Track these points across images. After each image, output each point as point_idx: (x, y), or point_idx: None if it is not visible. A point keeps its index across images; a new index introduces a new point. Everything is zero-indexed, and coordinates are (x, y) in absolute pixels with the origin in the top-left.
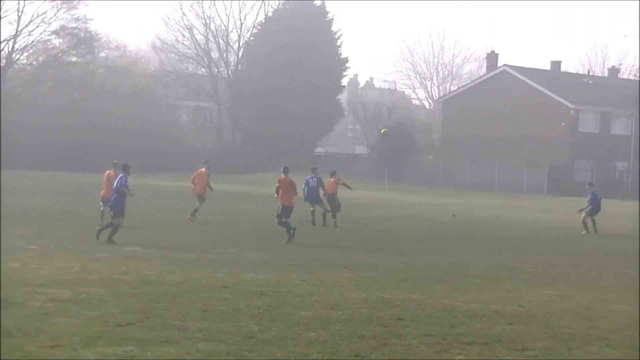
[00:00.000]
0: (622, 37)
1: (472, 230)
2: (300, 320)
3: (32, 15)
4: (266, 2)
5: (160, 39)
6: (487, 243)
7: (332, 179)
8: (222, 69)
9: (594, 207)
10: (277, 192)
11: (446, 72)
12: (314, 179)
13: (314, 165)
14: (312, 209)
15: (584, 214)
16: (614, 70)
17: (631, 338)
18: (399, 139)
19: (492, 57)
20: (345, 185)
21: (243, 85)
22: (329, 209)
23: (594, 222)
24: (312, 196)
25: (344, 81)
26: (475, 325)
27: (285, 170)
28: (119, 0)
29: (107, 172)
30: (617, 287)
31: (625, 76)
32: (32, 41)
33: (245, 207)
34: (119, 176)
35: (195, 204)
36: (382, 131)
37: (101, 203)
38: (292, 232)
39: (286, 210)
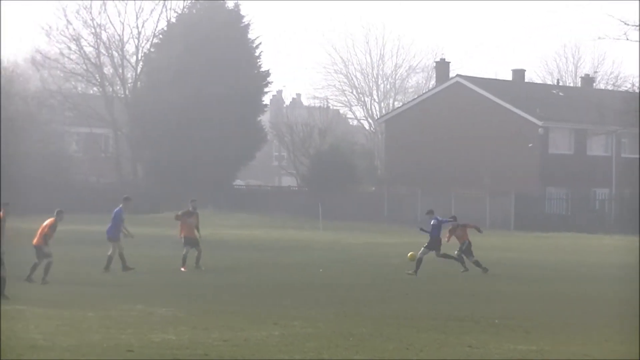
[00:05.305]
0: (596, 39)
1: (424, 274)
2: None
3: None
4: (167, 3)
5: (41, 53)
6: (440, 289)
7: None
8: (118, 87)
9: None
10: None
11: (388, 86)
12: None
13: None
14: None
15: (422, 248)
16: (588, 80)
17: None
18: (335, 167)
19: (442, 67)
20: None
21: (143, 107)
22: None
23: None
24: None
25: (266, 99)
26: None
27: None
28: None
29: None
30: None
31: (601, 86)
32: None
33: (152, 254)
34: None
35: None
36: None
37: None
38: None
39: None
